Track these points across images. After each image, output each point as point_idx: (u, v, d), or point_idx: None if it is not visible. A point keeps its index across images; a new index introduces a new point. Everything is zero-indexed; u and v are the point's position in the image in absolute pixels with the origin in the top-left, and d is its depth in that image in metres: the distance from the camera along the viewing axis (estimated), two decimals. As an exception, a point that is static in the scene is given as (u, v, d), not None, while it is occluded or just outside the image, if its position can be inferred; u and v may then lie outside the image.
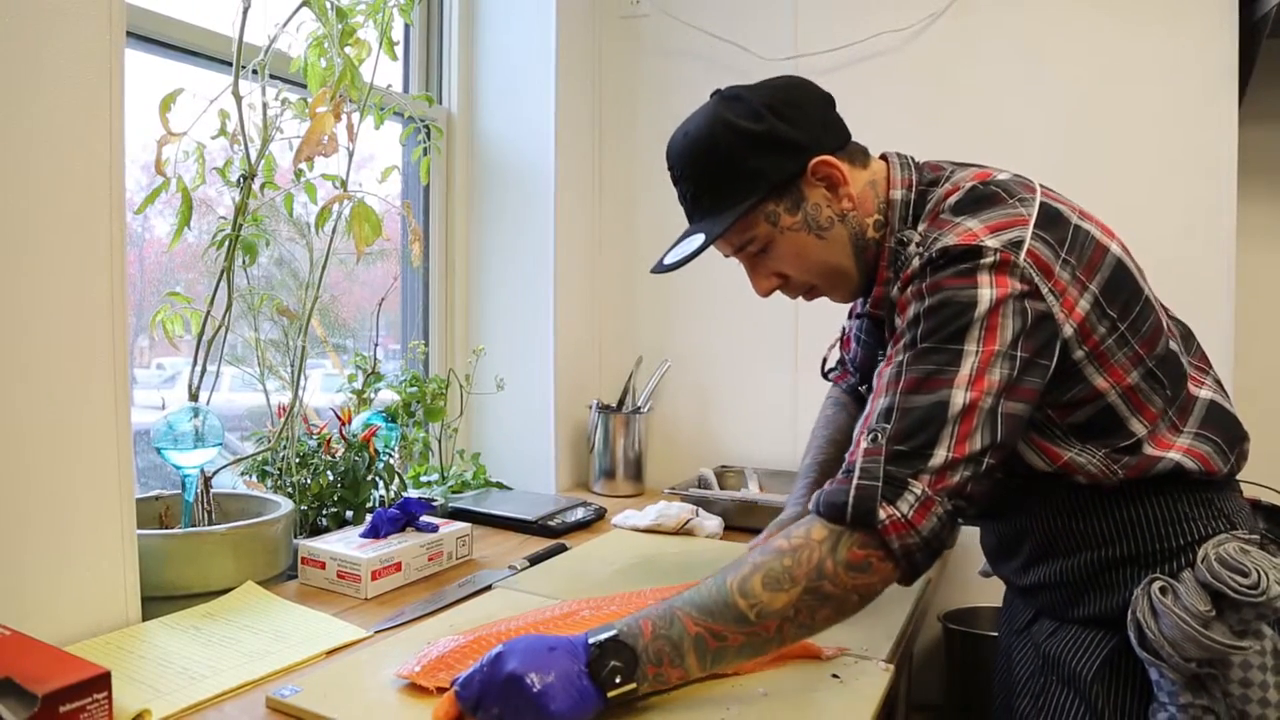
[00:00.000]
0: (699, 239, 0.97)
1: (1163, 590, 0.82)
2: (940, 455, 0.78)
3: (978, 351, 0.80)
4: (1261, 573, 0.79)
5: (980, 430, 0.79)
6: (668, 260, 1.01)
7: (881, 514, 0.77)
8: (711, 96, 1.00)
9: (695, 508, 1.59)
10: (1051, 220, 0.87)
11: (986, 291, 0.81)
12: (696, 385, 2.03)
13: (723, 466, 1.90)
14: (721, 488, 1.80)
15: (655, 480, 1.97)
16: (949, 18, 1.76)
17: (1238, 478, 0.93)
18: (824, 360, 1.37)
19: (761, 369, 1.96)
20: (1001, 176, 0.93)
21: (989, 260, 0.82)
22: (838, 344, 1.35)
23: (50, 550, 0.95)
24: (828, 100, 1.01)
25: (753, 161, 0.94)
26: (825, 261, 0.98)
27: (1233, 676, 0.80)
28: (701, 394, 2.02)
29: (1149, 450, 0.87)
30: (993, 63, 1.73)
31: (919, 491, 0.78)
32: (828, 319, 1.83)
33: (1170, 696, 0.80)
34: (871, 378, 1.12)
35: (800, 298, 1.04)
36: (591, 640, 0.79)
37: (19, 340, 0.92)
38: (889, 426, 0.81)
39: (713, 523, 1.55)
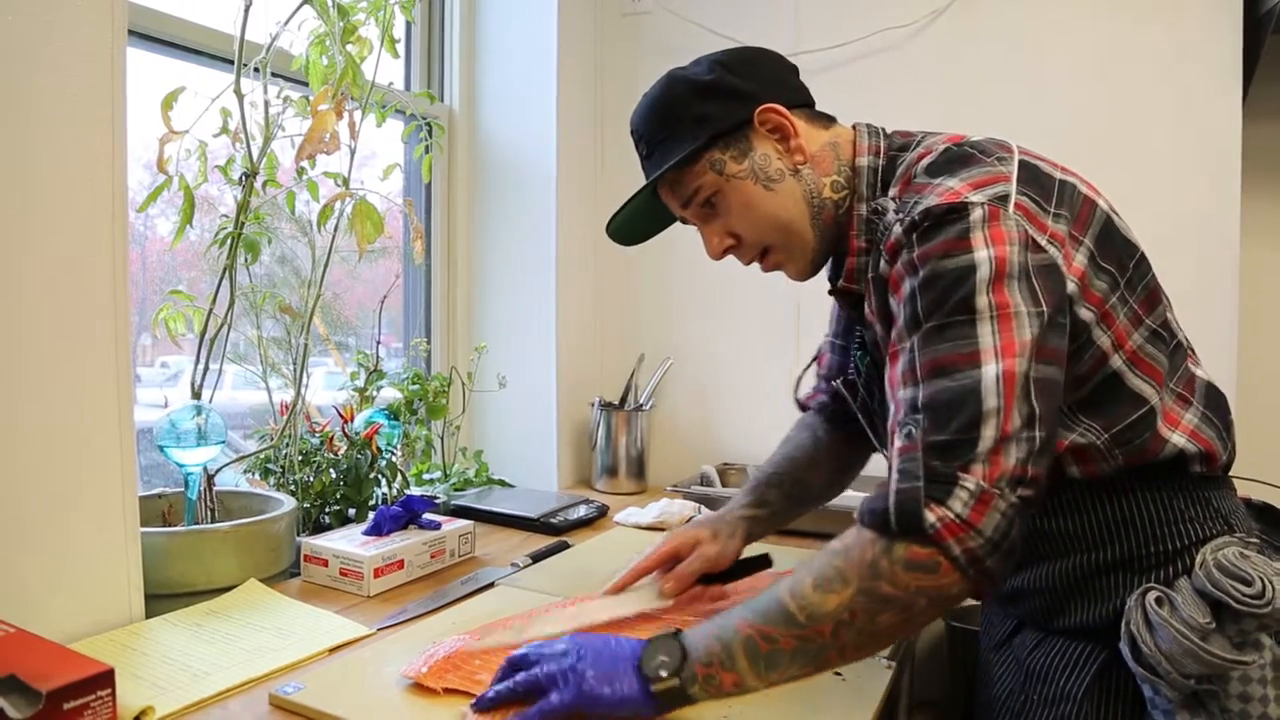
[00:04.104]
0: (645, 186, 0.97)
1: (1158, 601, 0.76)
2: (988, 437, 0.69)
3: (992, 316, 0.73)
4: (1266, 581, 0.74)
5: (1023, 399, 0.71)
6: (620, 217, 1.02)
7: (930, 516, 0.68)
8: None
9: (698, 505, 1.59)
10: (1033, 175, 0.83)
11: (983, 252, 0.74)
12: (698, 382, 2.02)
13: (725, 464, 1.90)
14: (724, 485, 1.80)
15: (657, 478, 1.97)
16: (951, 14, 1.75)
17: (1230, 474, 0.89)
18: (797, 385, 1.27)
19: (763, 366, 1.95)
20: (976, 138, 0.89)
21: (977, 215, 0.76)
22: (813, 365, 1.25)
23: (54, 548, 0.95)
24: (789, 66, 0.99)
25: (698, 108, 0.93)
26: (775, 216, 0.94)
27: (1231, 691, 0.74)
28: (703, 391, 2.02)
29: (1160, 427, 0.81)
30: (995, 59, 1.72)
31: (973, 486, 0.69)
32: (830, 316, 1.83)
33: (1166, 715, 0.76)
34: (844, 376, 1.08)
35: (758, 265, 0.99)
36: (650, 637, 0.78)
37: (22, 338, 0.93)
38: (920, 417, 0.73)
39: (715, 520, 1.55)
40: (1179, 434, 0.82)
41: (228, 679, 0.89)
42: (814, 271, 0.99)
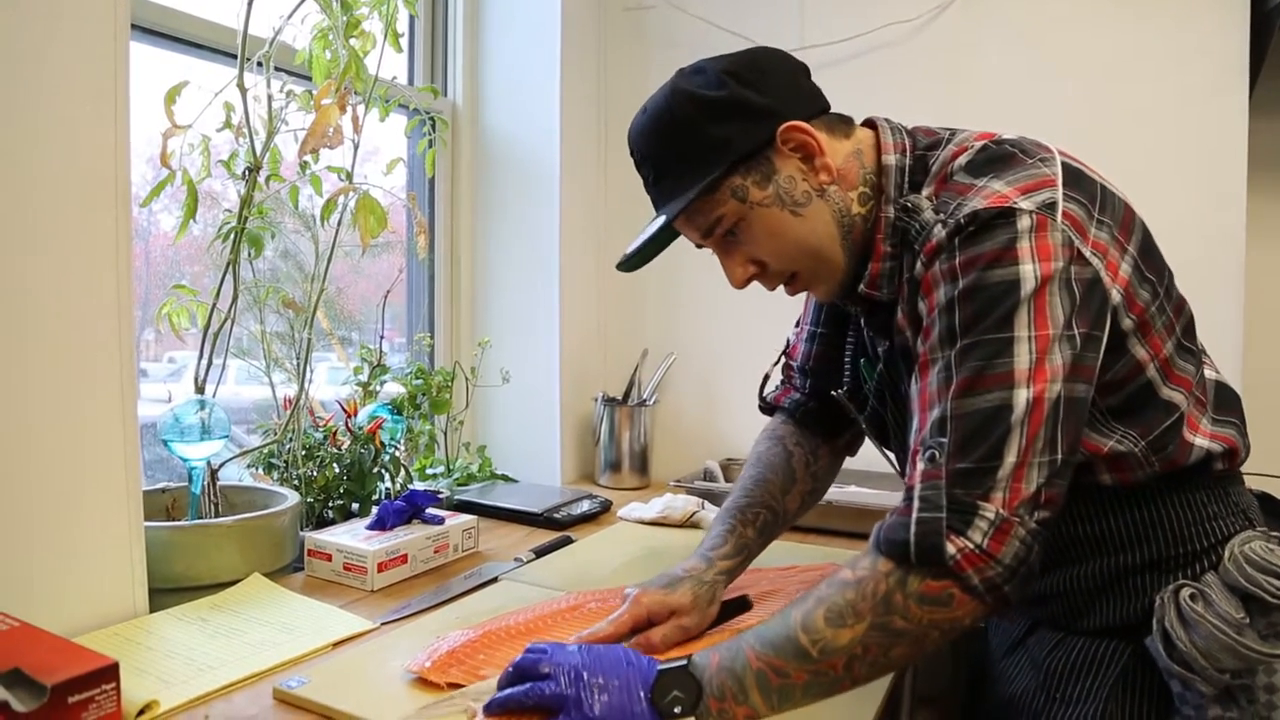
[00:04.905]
0: (660, 221, 0.89)
1: (1193, 597, 0.76)
2: (1009, 463, 0.69)
3: (1031, 337, 0.71)
4: None
5: (1049, 424, 0.71)
6: (630, 249, 0.93)
7: (950, 548, 0.68)
8: (675, 73, 0.91)
9: (701, 500, 1.59)
10: (1077, 179, 0.80)
11: (1029, 267, 0.72)
12: (702, 378, 2.02)
13: (728, 459, 1.90)
14: (727, 480, 1.80)
15: (661, 473, 1.97)
16: (956, 9, 1.74)
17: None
18: (763, 383, 1.19)
19: (767, 361, 1.94)
20: (1010, 135, 0.85)
21: (1025, 224, 0.73)
22: (782, 360, 1.19)
23: (58, 542, 0.96)
24: (800, 68, 0.92)
25: (714, 130, 0.85)
26: (804, 242, 0.88)
27: (1258, 683, 0.75)
28: (707, 386, 2.02)
29: (1185, 434, 0.81)
30: (1000, 54, 1.72)
31: (992, 515, 0.69)
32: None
33: (1197, 710, 0.76)
34: (831, 378, 1.06)
35: (783, 290, 0.94)
36: (660, 666, 0.74)
37: (26, 334, 0.93)
38: (946, 441, 0.71)
39: (718, 516, 1.55)
40: (1200, 437, 0.82)
41: (232, 673, 0.89)
42: (843, 293, 0.93)
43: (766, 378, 1.20)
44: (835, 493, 1.60)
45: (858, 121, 0.94)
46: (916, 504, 0.71)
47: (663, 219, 0.89)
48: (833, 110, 0.93)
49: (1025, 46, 1.70)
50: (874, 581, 0.71)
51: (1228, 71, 1.56)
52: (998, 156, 0.82)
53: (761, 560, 1.23)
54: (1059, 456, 0.72)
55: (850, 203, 0.89)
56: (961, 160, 0.83)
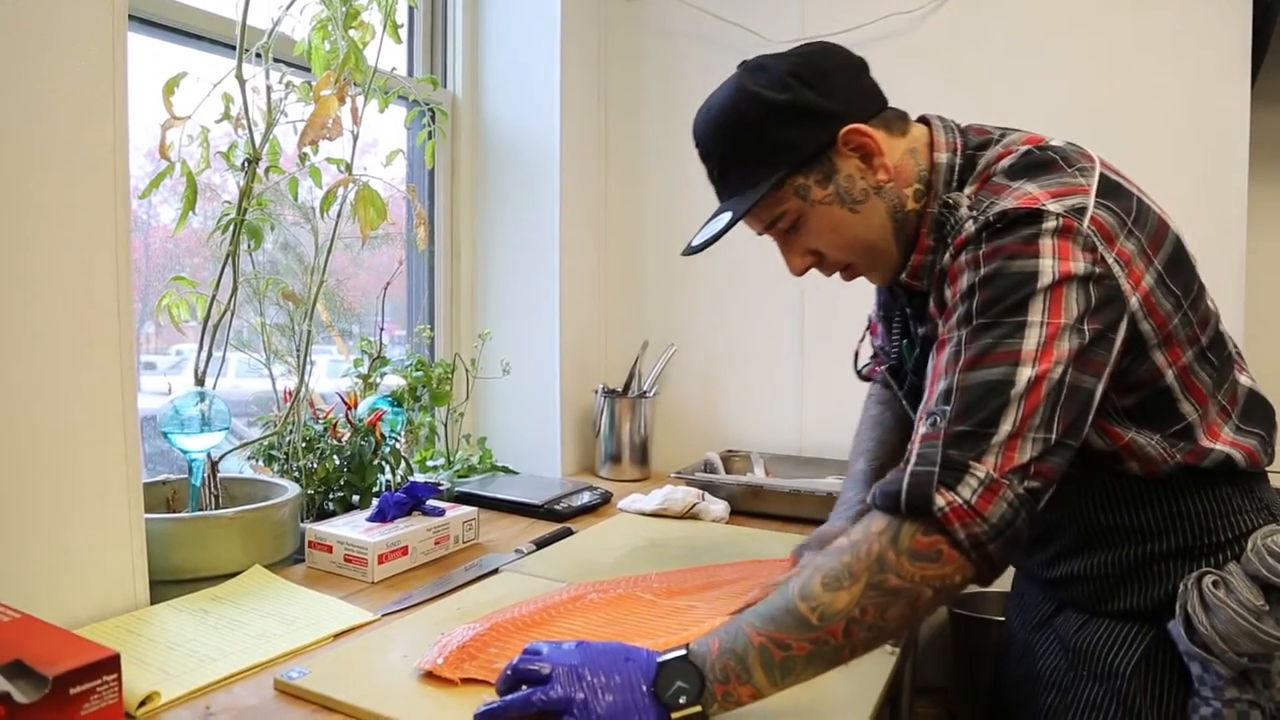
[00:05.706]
0: (726, 217, 0.93)
1: (1215, 584, 0.80)
2: (1004, 431, 0.72)
3: (1043, 323, 0.74)
4: None
5: (1048, 401, 0.73)
6: (696, 241, 0.96)
7: (939, 500, 0.71)
8: (738, 68, 0.94)
9: (701, 492, 1.59)
10: (1113, 190, 0.82)
11: (1049, 262, 0.76)
12: (703, 369, 2.02)
13: (729, 451, 1.90)
14: (728, 472, 1.80)
15: (661, 464, 1.98)
16: (957, 0, 1.74)
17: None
18: (855, 356, 1.29)
19: (768, 353, 1.95)
20: (1056, 142, 0.88)
21: (1051, 225, 0.77)
22: (866, 335, 1.27)
23: (59, 534, 0.96)
24: (859, 65, 0.95)
25: (780, 133, 0.89)
26: (861, 237, 0.93)
27: (1273, 668, 0.79)
28: (708, 378, 2.02)
29: (1202, 440, 0.84)
30: (1001, 45, 1.71)
31: (983, 475, 0.71)
32: (835, 303, 1.83)
33: (1215, 691, 0.79)
34: (895, 359, 1.09)
35: (838, 276, 0.99)
36: (660, 659, 0.75)
37: (26, 327, 0.93)
38: (949, 409, 0.75)
39: (719, 507, 1.55)
40: (1220, 444, 0.85)
41: (233, 664, 0.90)
42: (897, 278, 0.97)
43: (856, 354, 1.28)
44: (836, 484, 1.60)
45: (913, 117, 0.97)
46: (913, 461, 0.75)
47: (729, 215, 0.93)
48: (894, 109, 0.95)
49: (1026, 37, 1.69)
50: (867, 543, 0.74)
51: (1229, 62, 1.56)
52: (1039, 162, 0.85)
53: (761, 553, 1.23)
54: (1054, 436, 0.74)
55: (905, 199, 0.93)
56: (1004, 163, 0.87)
